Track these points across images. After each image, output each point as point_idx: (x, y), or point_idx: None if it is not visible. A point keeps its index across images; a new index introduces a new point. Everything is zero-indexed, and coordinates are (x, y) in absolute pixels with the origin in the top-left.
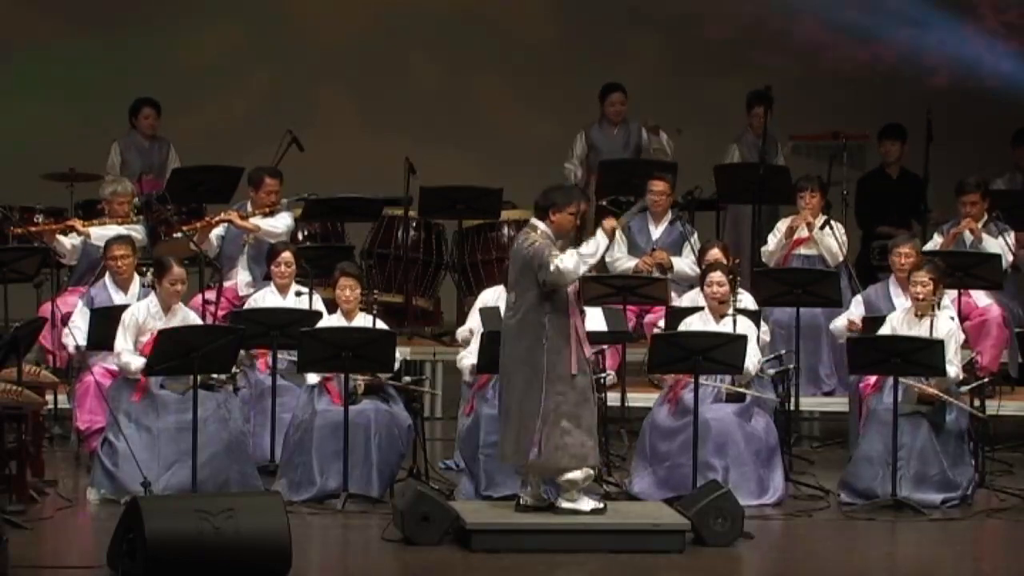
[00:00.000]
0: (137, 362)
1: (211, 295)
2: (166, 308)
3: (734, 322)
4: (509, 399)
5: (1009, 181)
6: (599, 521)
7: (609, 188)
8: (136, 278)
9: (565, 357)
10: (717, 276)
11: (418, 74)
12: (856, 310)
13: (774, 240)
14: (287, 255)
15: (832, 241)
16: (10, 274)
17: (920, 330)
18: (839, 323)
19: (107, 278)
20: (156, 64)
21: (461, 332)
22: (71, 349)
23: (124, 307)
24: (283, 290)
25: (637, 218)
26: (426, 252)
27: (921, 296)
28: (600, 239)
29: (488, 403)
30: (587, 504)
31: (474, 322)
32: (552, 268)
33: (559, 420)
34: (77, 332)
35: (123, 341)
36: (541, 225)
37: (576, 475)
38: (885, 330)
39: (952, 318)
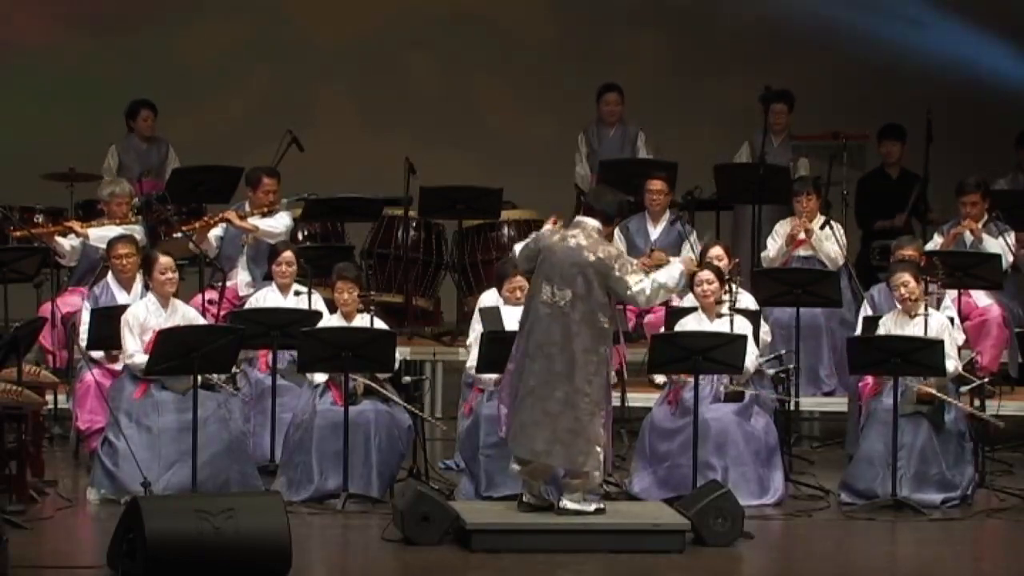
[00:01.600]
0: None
1: (213, 295)
2: (164, 303)
3: (731, 321)
4: (551, 394)
5: (1011, 181)
6: (599, 521)
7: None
8: (139, 277)
9: (612, 366)
10: (705, 275)
11: (418, 74)
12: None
13: (774, 246)
14: (288, 255)
15: (831, 245)
16: (10, 274)
17: (911, 329)
18: None
19: (110, 277)
20: (156, 64)
21: (470, 340)
22: (94, 355)
23: (126, 307)
24: (284, 290)
25: (635, 218)
26: (426, 252)
27: (906, 296)
28: (679, 274)
29: (487, 404)
30: (591, 505)
31: (479, 329)
32: (631, 290)
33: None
34: (87, 338)
35: (132, 342)
36: (598, 224)
37: (596, 476)
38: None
39: (951, 318)
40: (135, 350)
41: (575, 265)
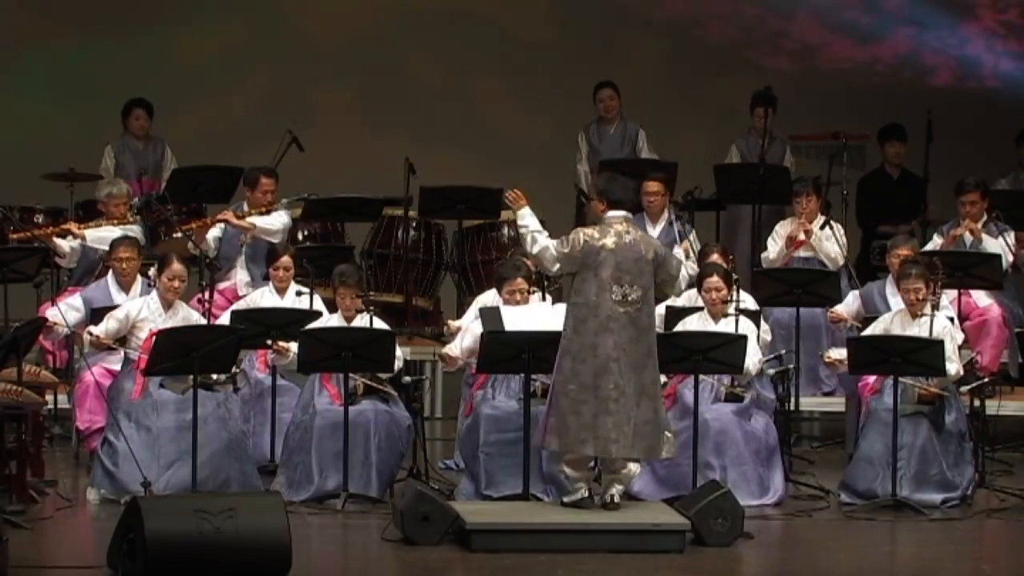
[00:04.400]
0: (99, 330)
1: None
2: (166, 305)
3: (736, 322)
4: (643, 390)
5: (1013, 181)
6: (599, 521)
7: None
8: (139, 280)
9: None
10: (715, 281)
11: (418, 74)
12: (854, 303)
13: (774, 247)
14: (286, 260)
15: (831, 245)
16: (10, 274)
17: (914, 330)
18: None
19: (109, 278)
20: (156, 64)
21: (459, 323)
22: (57, 319)
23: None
24: (281, 292)
25: (634, 219)
26: (426, 252)
27: (916, 299)
28: None
29: (488, 403)
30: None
31: (465, 323)
32: (681, 274)
33: None
34: (67, 313)
35: (105, 324)
36: (628, 214)
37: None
38: (875, 331)
39: (951, 318)
40: (100, 328)
41: (639, 260)
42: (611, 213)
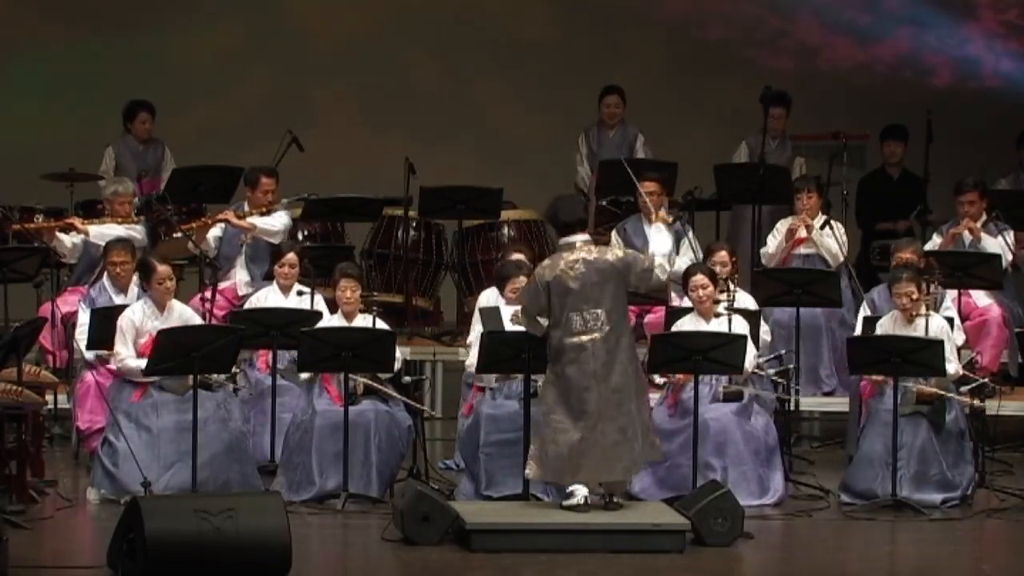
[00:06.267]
0: (139, 363)
1: (208, 294)
2: (161, 307)
3: (729, 321)
4: (619, 410)
5: (1013, 181)
6: (599, 521)
7: (609, 188)
8: (135, 279)
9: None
10: (699, 279)
11: (418, 74)
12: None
13: (774, 242)
14: (291, 257)
15: (832, 242)
16: (10, 274)
17: (911, 331)
18: None
19: (106, 279)
20: (156, 64)
21: (471, 339)
22: (88, 356)
23: (124, 307)
24: (286, 291)
25: (632, 219)
26: (426, 252)
27: (908, 303)
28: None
29: (488, 403)
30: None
31: (475, 335)
32: (653, 264)
33: None
34: (82, 341)
35: (123, 346)
36: (585, 236)
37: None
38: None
39: (951, 319)
40: (127, 355)
41: (599, 272)
42: (563, 240)
